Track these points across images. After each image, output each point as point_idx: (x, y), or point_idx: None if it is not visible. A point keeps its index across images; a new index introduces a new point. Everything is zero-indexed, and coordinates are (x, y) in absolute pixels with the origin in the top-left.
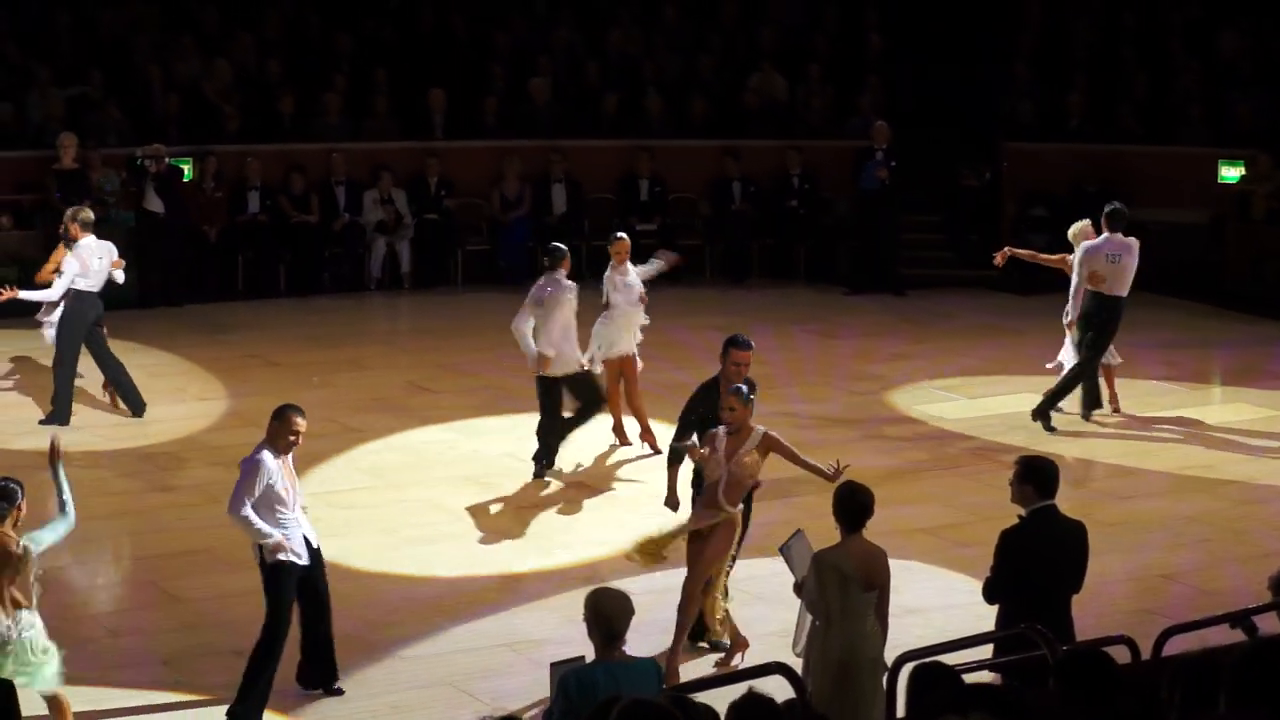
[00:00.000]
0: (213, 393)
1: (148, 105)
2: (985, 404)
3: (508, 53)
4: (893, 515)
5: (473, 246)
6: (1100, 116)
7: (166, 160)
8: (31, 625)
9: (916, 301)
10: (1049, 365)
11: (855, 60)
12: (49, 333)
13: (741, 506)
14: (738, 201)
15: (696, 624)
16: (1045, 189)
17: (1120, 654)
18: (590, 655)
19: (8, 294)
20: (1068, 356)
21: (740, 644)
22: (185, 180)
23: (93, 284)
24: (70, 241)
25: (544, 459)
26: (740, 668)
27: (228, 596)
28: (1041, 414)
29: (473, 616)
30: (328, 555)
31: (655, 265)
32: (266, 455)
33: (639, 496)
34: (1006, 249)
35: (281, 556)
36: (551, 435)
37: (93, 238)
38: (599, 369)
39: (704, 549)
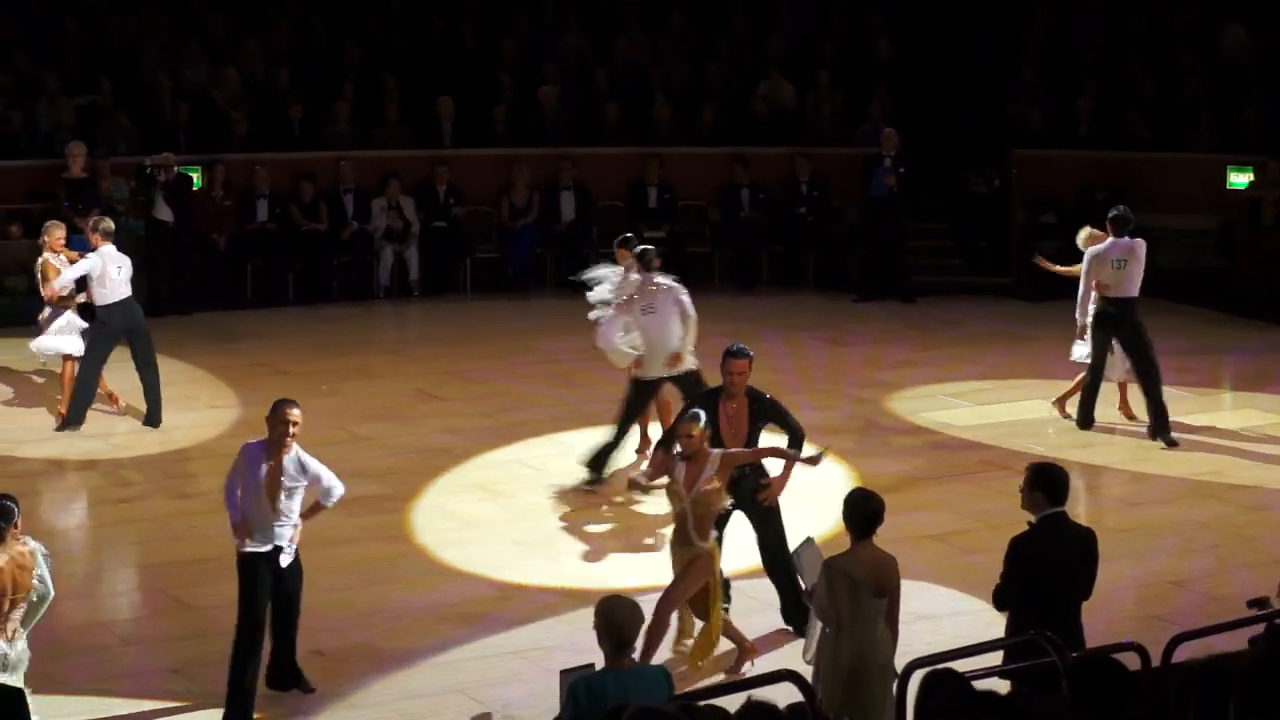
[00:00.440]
0: (222, 401)
1: (157, 114)
2: (994, 411)
3: (516, 61)
4: (902, 522)
5: (481, 254)
6: (1109, 123)
7: (175, 169)
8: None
9: (925, 308)
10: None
11: (864, 67)
12: (43, 342)
13: (715, 535)
14: (746, 209)
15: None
16: (1054, 196)
17: (1130, 660)
18: (600, 663)
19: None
20: (1079, 351)
21: (749, 650)
22: (194, 189)
23: (110, 295)
24: (87, 245)
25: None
26: (749, 675)
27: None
28: (1159, 431)
29: (482, 624)
30: (335, 563)
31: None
32: (253, 447)
33: (649, 504)
34: (1040, 259)
35: (243, 548)
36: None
37: (112, 247)
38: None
39: (680, 582)
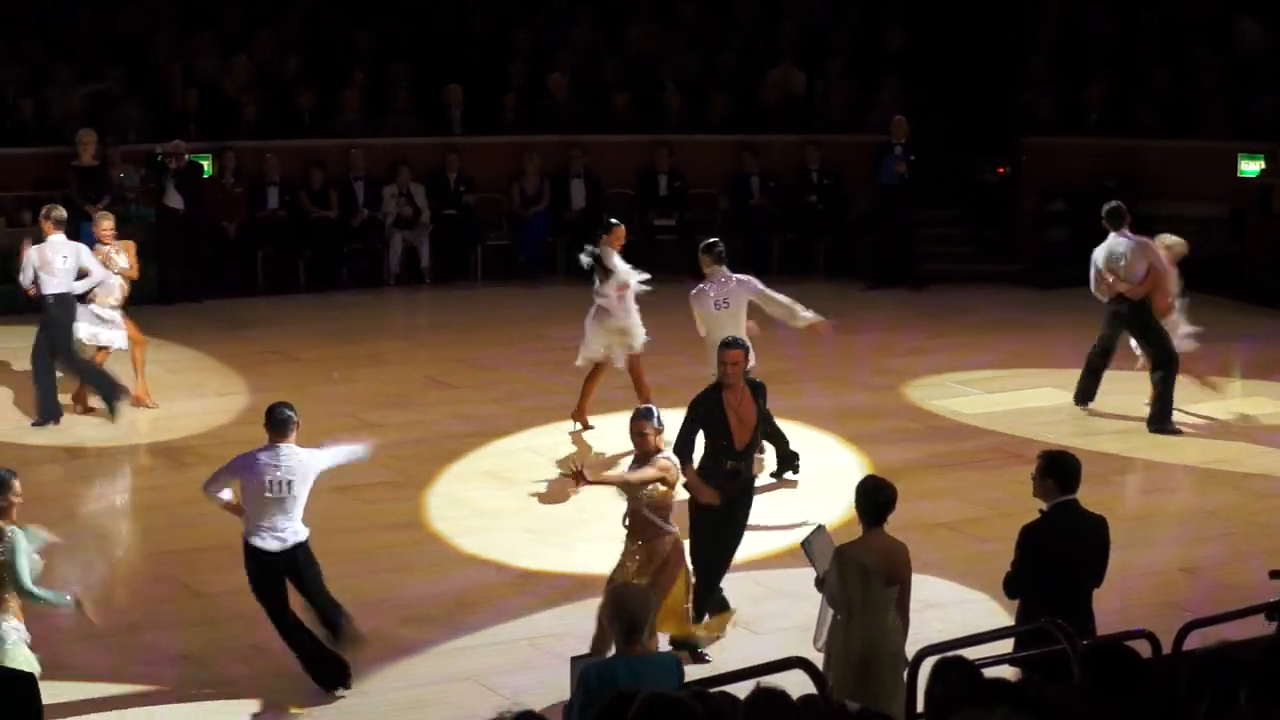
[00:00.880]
0: (233, 388)
1: (167, 102)
2: (1005, 399)
3: (527, 49)
4: (912, 510)
5: (492, 241)
6: (1119, 111)
7: (186, 157)
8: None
9: (936, 296)
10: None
11: (874, 55)
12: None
13: (675, 528)
14: (756, 197)
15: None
16: (1064, 183)
17: (1142, 648)
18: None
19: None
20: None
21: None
22: (205, 176)
23: (60, 285)
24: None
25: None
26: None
27: (248, 592)
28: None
29: (493, 611)
30: (345, 550)
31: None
32: (255, 456)
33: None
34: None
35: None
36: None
37: (61, 236)
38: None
39: (662, 573)
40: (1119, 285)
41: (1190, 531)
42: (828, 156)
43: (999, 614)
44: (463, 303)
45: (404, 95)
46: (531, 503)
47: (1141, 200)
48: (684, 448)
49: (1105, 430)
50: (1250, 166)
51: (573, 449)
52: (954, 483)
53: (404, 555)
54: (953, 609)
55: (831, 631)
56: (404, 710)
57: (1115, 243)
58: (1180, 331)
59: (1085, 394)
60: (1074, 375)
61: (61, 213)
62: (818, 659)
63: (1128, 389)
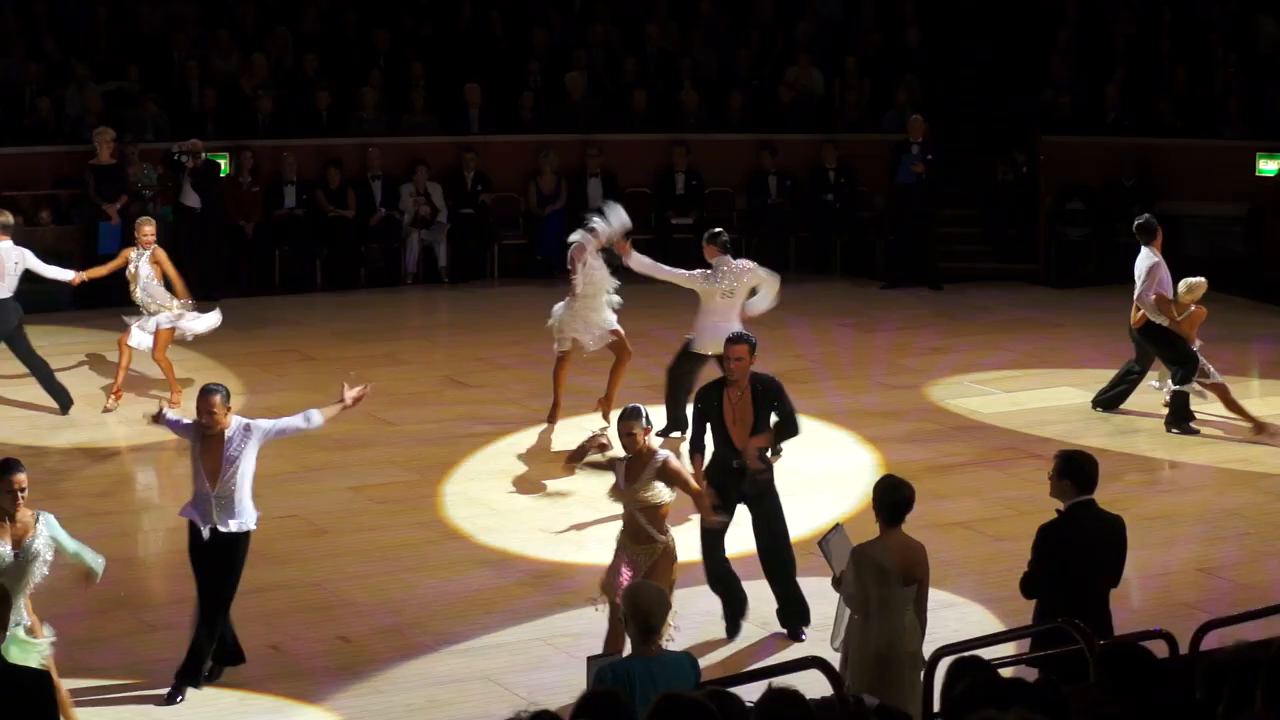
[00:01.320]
0: (249, 387)
1: (185, 100)
2: (1022, 398)
3: (544, 48)
4: (929, 509)
5: (509, 240)
6: (1138, 109)
7: (203, 155)
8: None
9: (953, 295)
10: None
11: (892, 54)
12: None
13: (670, 535)
14: (774, 195)
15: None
16: (1082, 182)
17: (1159, 648)
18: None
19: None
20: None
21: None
22: (222, 175)
23: (6, 290)
24: None
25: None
26: (778, 662)
27: (262, 590)
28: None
29: (508, 611)
30: (362, 548)
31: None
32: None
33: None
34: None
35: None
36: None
37: (9, 243)
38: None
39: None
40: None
41: (1208, 532)
42: (845, 155)
43: (1016, 614)
44: (480, 302)
45: (421, 94)
46: (547, 502)
47: (1160, 199)
48: (697, 440)
49: (1122, 430)
50: (1269, 165)
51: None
52: (971, 482)
53: (420, 554)
54: (970, 608)
55: (849, 631)
56: (419, 710)
57: (1143, 257)
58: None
59: (1108, 403)
60: (1092, 374)
61: (8, 218)
62: (834, 659)
63: (1145, 389)
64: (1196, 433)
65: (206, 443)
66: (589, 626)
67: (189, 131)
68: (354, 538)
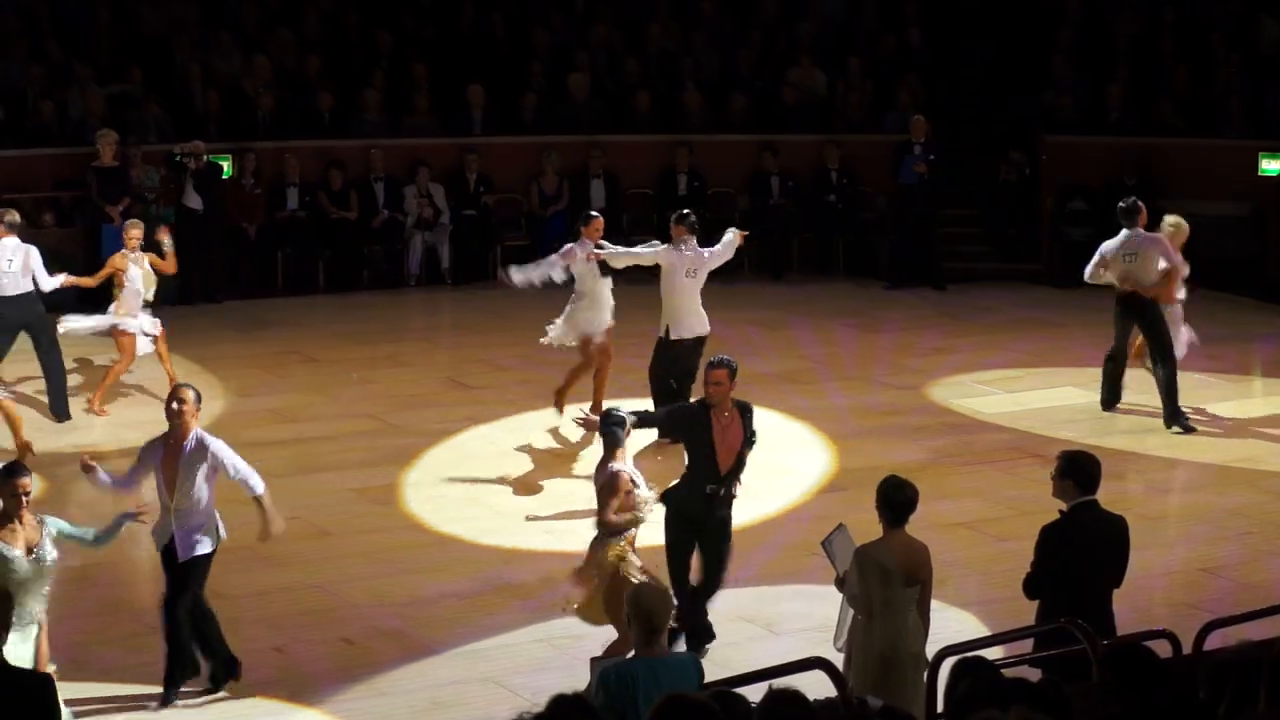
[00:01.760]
0: (251, 389)
1: (187, 102)
2: (1025, 398)
3: (547, 49)
4: (932, 510)
5: (511, 242)
6: (1140, 109)
7: (206, 157)
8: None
9: (956, 295)
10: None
11: (894, 54)
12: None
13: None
14: (776, 196)
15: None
16: (1084, 182)
17: (1161, 648)
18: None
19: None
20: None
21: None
22: (224, 177)
23: (10, 288)
24: None
25: None
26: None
27: (267, 593)
28: (1173, 417)
29: (512, 612)
30: (365, 551)
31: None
32: (155, 439)
33: None
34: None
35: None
36: None
37: (15, 239)
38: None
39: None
40: (1127, 284)
41: (1210, 531)
42: (847, 156)
43: (1019, 614)
44: (482, 303)
45: (424, 96)
46: (549, 503)
47: (1161, 199)
48: (648, 418)
49: (1124, 429)
50: (1271, 165)
51: (593, 451)
52: (974, 482)
53: (422, 556)
54: (972, 609)
55: (852, 632)
56: (422, 712)
57: (1127, 238)
58: (1182, 336)
59: (1109, 401)
60: (1095, 374)
61: (14, 217)
62: (838, 659)
63: (1147, 388)
64: (1194, 429)
65: (166, 456)
66: (591, 628)
67: (191, 133)
68: (356, 540)
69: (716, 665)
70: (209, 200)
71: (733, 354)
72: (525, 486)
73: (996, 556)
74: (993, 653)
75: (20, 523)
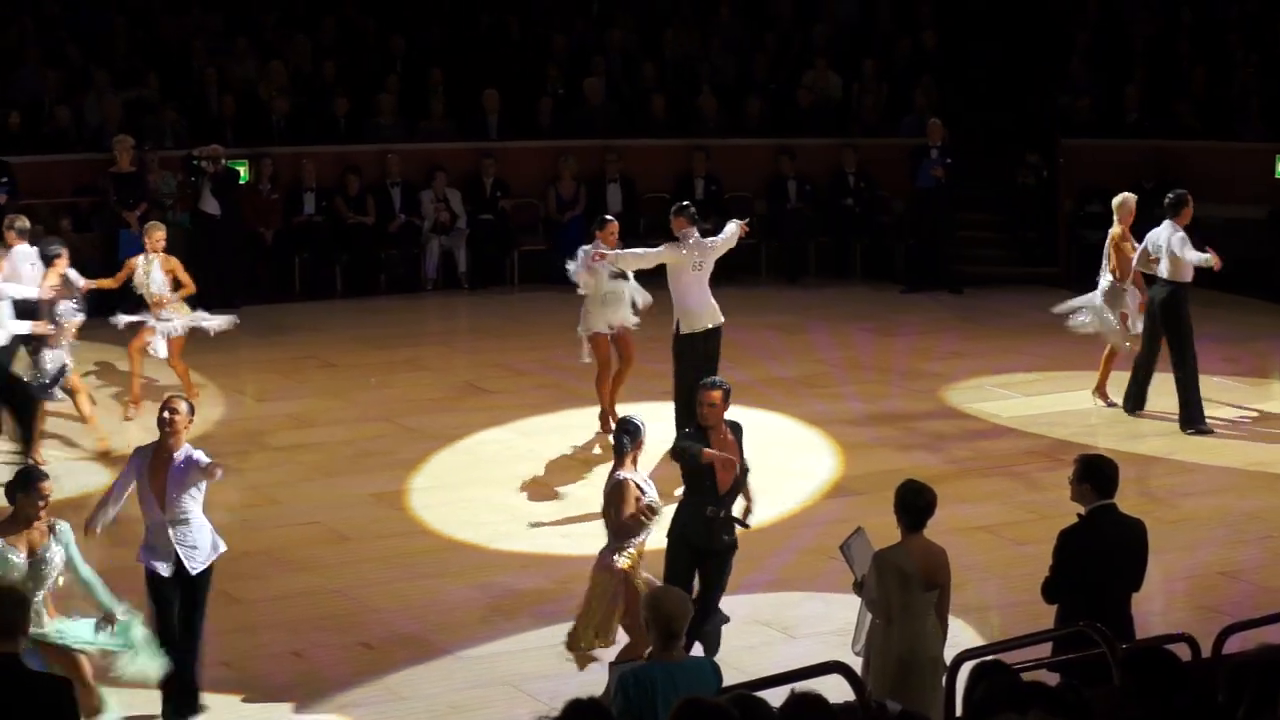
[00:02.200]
0: (269, 394)
1: (204, 108)
2: (1043, 402)
3: (563, 53)
4: (950, 514)
5: (528, 247)
6: (1158, 112)
7: (223, 162)
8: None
9: (973, 299)
10: None
11: (910, 58)
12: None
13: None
14: (793, 200)
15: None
16: (1102, 185)
17: (1181, 652)
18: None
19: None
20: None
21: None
22: (241, 182)
23: (29, 293)
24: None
25: None
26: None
27: (286, 597)
28: (1189, 421)
29: (530, 617)
30: (383, 555)
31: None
32: (139, 452)
33: None
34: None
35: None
36: None
37: (26, 245)
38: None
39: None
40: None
41: (1229, 534)
42: (864, 160)
43: (1037, 618)
44: (499, 308)
45: (440, 100)
46: (567, 507)
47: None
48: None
49: (1143, 433)
50: None
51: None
52: (992, 486)
53: (441, 560)
54: (991, 613)
55: (870, 636)
56: (441, 716)
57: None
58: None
59: (1135, 401)
60: (1112, 377)
61: (25, 223)
62: (856, 663)
63: (1167, 390)
64: (1211, 432)
65: (154, 467)
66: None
67: (208, 139)
68: (375, 544)
69: (734, 669)
70: (226, 205)
71: (750, 357)
72: (542, 491)
73: (1015, 560)
74: (1011, 657)
75: (31, 526)
